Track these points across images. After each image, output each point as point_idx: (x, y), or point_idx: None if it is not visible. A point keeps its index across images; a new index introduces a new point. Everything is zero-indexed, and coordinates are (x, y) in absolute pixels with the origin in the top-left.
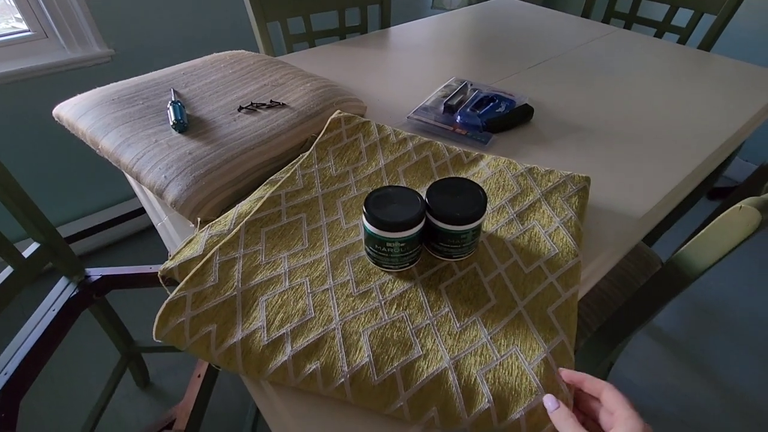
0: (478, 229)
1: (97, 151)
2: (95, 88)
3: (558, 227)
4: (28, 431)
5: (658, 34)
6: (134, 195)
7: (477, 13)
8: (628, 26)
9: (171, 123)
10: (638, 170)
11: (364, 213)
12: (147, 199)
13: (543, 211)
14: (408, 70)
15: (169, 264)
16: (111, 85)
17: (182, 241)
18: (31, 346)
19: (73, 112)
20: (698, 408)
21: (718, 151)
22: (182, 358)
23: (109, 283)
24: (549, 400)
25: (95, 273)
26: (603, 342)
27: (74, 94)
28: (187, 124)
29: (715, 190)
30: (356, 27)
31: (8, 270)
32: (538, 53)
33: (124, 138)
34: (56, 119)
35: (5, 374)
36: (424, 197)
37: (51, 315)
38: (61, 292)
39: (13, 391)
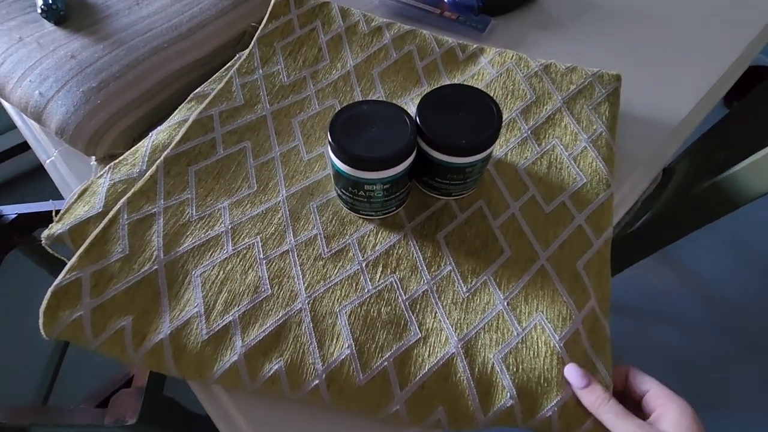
0: (488, 158)
1: None
2: None
3: (585, 147)
4: None
5: None
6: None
7: None
8: None
9: (39, 9)
10: (670, 64)
11: (330, 144)
12: (25, 124)
13: (565, 125)
14: None
15: (55, 228)
16: None
17: (73, 192)
18: None
19: None
20: (664, 297)
21: (761, 35)
22: None
23: (29, 220)
24: (573, 373)
25: (9, 211)
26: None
27: None
28: (65, 11)
29: (731, 93)
30: None
31: None
32: None
33: None
34: None
35: None
36: (413, 116)
37: None
38: None
39: None
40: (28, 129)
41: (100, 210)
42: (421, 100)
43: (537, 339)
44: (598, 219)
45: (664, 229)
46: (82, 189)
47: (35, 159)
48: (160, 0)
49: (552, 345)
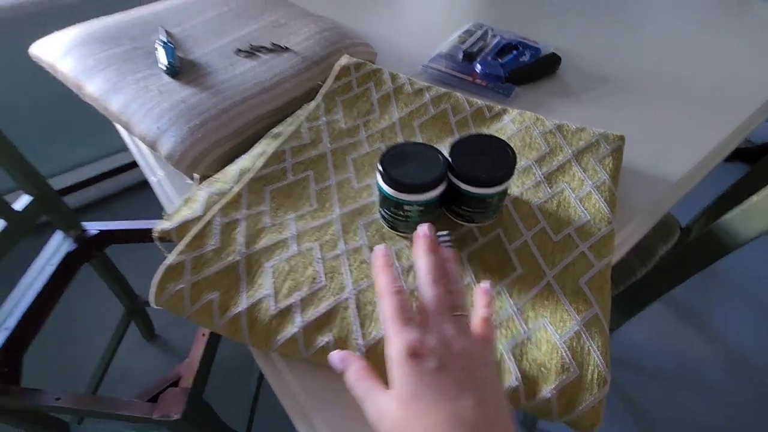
0: (505, 192)
1: (81, 96)
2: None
3: (590, 191)
4: (35, 385)
5: None
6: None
7: None
8: None
9: (162, 67)
10: (673, 128)
11: (380, 172)
12: (139, 151)
13: (574, 173)
14: (421, 12)
15: (165, 224)
16: (93, 21)
17: (180, 199)
18: (31, 301)
19: (53, 51)
20: (696, 365)
21: (762, 109)
22: None
23: (107, 237)
24: (334, 359)
25: (92, 227)
26: (619, 311)
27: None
28: (180, 68)
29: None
30: None
31: (1, 223)
32: None
33: (111, 83)
34: (34, 59)
35: (6, 329)
36: (446, 155)
37: (49, 269)
38: (58, 246)
39: (14, 346)
40: (141, 155)
41: (199, 214)
42: (453, 143)
43: (540, 337)
44: (600, 248)
45: (663, 275)
46: (186, 198)
47: (125, 182)
48: (249, 63)
49: (553, 342)
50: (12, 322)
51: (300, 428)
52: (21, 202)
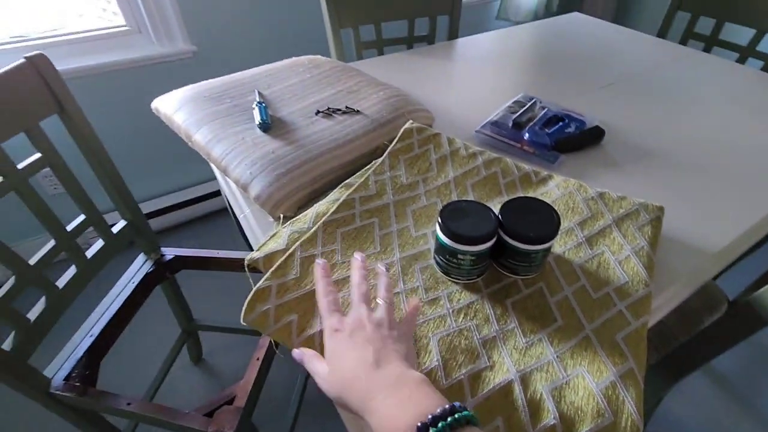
0: (548, 249)
1: (190, 143)
2: (178, 80)
3: (629, 256)
4: (104, 389)
5: (741, 60)
6: (205, 180)
7: (545, 28)
8: (707, 49)
9: (256, 123)
10: (715, 202)
11: (439, 224)
12: (230, 191)
13: (614, 237)
14: (475, 83)
15: (255, 254)
16: (202, 83)
17: (267, 234)
18: (113, 314)
19: (169, 106)
20: None
21: None
22: (233, 340)
23: (180, 262)
24: (295, 354)
25: (169, 252)
26: (661, 378)
27: (160, 85)
28: (270, 124)
29: None
30: (424, 37)
31: (100, 243)
32: (609, 73)
33: (214, 134)
34: (155, 112)
35: (91, 336)
36: (497, 213)
37: (131, 287)
38: (139, 267)
39: (96, 352)
40: (231, 194)
41: (282, 247)
42: (503, 204)
43: (578, 383)
44: (637, 308)
45: (705, 341)
46: (273, 233)
47: (196, 212)
48: (326, 122)
49: (590, 389)
50: (96, 330)
51: None
52: (117, 226)
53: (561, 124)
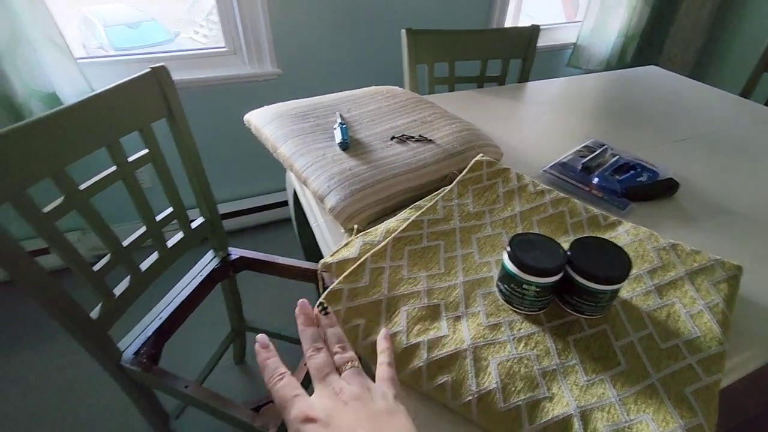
0: (616, 292)
1: (275, 154)
2: (263, 98)
3: (702, 310)
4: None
5: None
6: (273, 191)
7: (621, 78)
8: None
9: (337, 141)
10: None
11: (508, 252)
12: (307, 201)
13: (685, 290)
14: (543, 125)
15: (329, 259)
16: (289, 102)
17: (340, 243)
18: (180, 301)
19: (259, 119)
20: None
21: None
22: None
23: (244, 263)
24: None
25: (235, 252)
26: None
27: (246, 101)
28: (350, 144)
29: None
30: (495, 77)
31: (179, 235)
32: (685, 127)
33: (298, 148)
34: (246, 123)
35: (160, 319)
36: (565, 250)
37: (198, 280)
38: (208, 262)
39: (163, 333)
40: (308, 204)
41: (354, 256)
42: (574, 241)
43: (642, 429)
44: (709, 364)
45: None
46: (346, 242)
47: (267, 218)
48: (400, 148)
49: None
50: (165, 314)
51: None
52: (196, 222)
53: (632, 172)
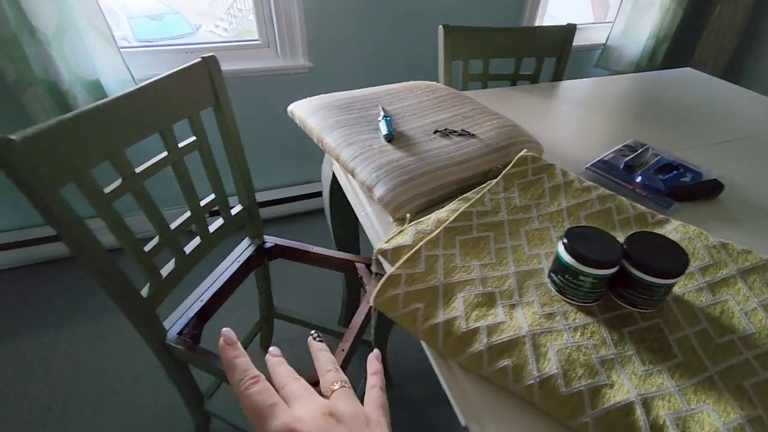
0: (671, 286)
1: (320, 145)
2: (294, 91)
3: (756, 308)
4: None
5: None
6: (311, 181)
7: (655, 79)
8: None
9: (383, 133)
10: None
11: (564, 244)
12: (353, 190)
13: (738, 288)
14: (580, 123)
15: (384, 246)
16: (332, 94)
17: (394, 230)
18: (219, 286)
19: (304, 110)
20: None
21: None
22: (303, 334)
23: (279, 251)
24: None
25: (270, 240)
26: None
27: (278, 93)
28: (394, 136)
29: None
30: (528, 76)
31: (219, 221)
32: (726, 130)
33: (344, 138)
34: (289, 114)
35: (201, 301)
36: (621, 243)
37: (235, 266)
38: (244, 249)
39: (203, 316)
40: (354, 193)
41: (409, 243)
42: (630, 235)
43: (703, 419)
44: (766, 360)
45: None
46: (400, 230)
47: (301, 208)
48: (443, 141)
49: (717, 426)
50: (206, 297)
51: (473, 429)
52: (235, 209)
53: (676, 172)
